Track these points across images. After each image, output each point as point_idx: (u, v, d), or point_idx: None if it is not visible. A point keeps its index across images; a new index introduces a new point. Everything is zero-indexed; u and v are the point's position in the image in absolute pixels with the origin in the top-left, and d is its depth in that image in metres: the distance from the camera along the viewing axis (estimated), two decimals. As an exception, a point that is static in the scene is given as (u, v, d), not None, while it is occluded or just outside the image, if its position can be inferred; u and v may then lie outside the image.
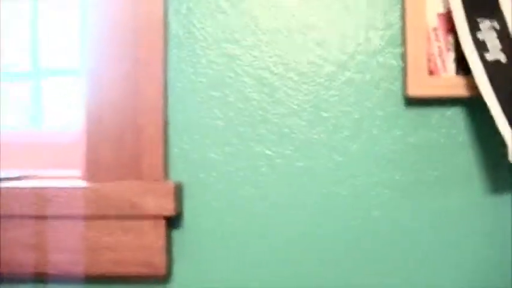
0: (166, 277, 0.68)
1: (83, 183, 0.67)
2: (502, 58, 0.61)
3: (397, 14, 0.67)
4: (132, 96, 0.68)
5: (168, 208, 0.65)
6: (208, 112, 0.68)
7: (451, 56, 0.65)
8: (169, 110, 0.69)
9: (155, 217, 0.65)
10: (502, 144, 0.66)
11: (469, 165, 0.66)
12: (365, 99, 0.67)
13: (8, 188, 0.66)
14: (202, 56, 0.69)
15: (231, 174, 0.68)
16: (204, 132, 0.68)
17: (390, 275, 0.67)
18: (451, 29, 0.64)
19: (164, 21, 0.68)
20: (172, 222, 0.68)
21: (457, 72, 0.64)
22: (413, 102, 0.67)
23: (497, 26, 0.62)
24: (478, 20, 0.62)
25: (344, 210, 0.67)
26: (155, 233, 0.66)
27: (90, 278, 0.69)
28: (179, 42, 0.69)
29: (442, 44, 0.65)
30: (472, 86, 0.63)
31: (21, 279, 0.69)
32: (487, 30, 0.62)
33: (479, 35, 0.62)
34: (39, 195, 0.66)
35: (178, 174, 0.69)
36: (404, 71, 0.66)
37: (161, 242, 0.66)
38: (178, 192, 0.67)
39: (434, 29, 0.65)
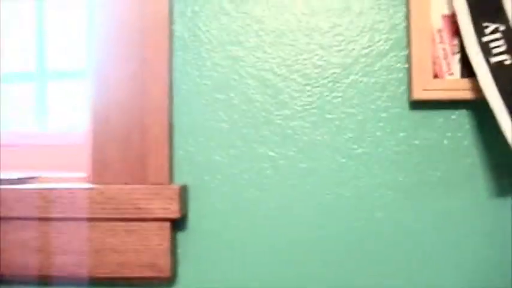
0: (171, 279, 0.68)
1: (88, 185, 0.67)
2: (507, 60, 0.61)
3: (401, 16, 0.67)
4: (138, 98, 0.68)
5: (173, 210, 0.65)
6: (213, 114, 0.69)
7: (456, 59, 0.65)
8: (174, 113, 0.69)
9: (160, 219, 0.65)
10: (507, 146, 0.66)
11: (473, 167, 0.66)
12: (369, 102, 0.67)
13: (13, 189, 0.66)
14: (207, 59, 0.69)
15: (235, 177, 0.68)
16: (209, 135, 0.69)
17: (393, 276, 0.67)
18: (456, 31, 0.64)
19: (169, 23, 0.68)
20: (177, 224, 0.68)
21: (462, 74, 0.64)
22: (417, 104, 0.67)
23: (502, 28, 0.61)
24: (483, 22, 0.62)
25: (348, 211, 0.67)
26: (160, 235, 0.66)
27: (94, 280, 0.69)
28: (184, 45, 0.69)
29: (446, 46, 0.65)
30: (477, 88, 0.63)
31: (26, 281, 0.69)
32: (492, 33, 0.62)
33: (484, 37, 0.62)
34: (44, 196, 0.66)
35: (183, 176, 0.69)
36: (409, 73, 0.67)
37: (166, 244, 0.66)
38: (183, 194, 0.67)
39: (439, 31, 0.65)
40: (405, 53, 0.67)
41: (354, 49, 0.68)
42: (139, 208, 0.65)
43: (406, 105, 0.67)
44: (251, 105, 0.68)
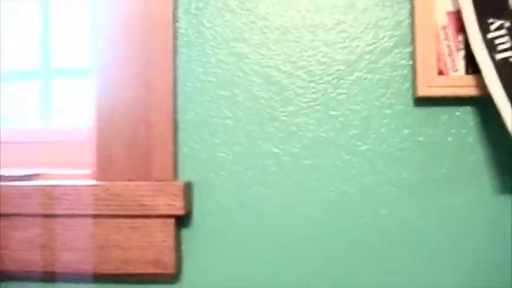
0: (175, 276, 0.69)
1: (92, 182, 0.67)
2: (512, 57, 0.61)
3: (406, 12, 0.67)
4: (142, 95, 0.68)
5: (177, 207, 0.65)
6: (218, 111, 0.69)
7: (460, 55, 0.64)
8: (178, 110, 0.69)
9: (165, 216, 0.66)
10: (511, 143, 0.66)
11: (478, 164, 0.66)
12: (373, 98, 0.67)
13: (17, 186, 0.67)
14: (212, 56, 0.69)
15: (239, 173, 0.68)
16: (213, 132, 0.69)
17: (398, 273, 0.67)
18: (461, 27, 0.64)
19: (174, 20, 0.68)
20: (182, 221, 0.68)
21: (467, 71, 0.64)
22: (422, 101, 0.67)
23: (507, 25, 0.61)
24: (488, 18, 0.62)
25: (352, 208, 0.67)
26: (165, 232, 0.66)
27: (99, 277, 0.69)
28: (189, 42, 0.69)
29: (451, 43, 0.65)
30: (482, 85, 0.63)
31: (31, 278, 0.70)
32: (497, 29, 0.61)
33: (489, 34, 0.62)
34: (49, 193, 0.66)
35: (187, 173, 0.69)
36: (413, 70, 0.67)
37: (170, 240, 0.66)
38: (188, 191, 0.67)
39: (444, 27, 0.65)
40: (410, 49, 0.67)
41: (358, 46, 0.68)
42: (144, 205, 0.65)
43: (411, 102, 0.67)
44: (255, 102, 0.68)
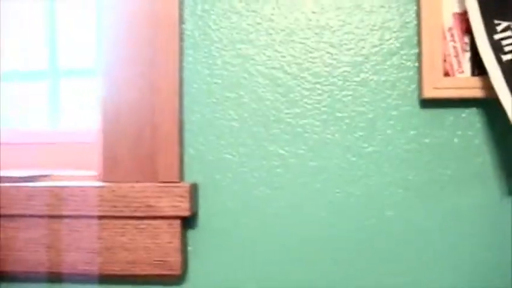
0: (181, 277, 0.69)
1: (99, 183, 0.67)
2: (518, 59, 0.61)
3: (412, 14, 0.67)
4: (148, 96, 0.68)
5: (183, 208, 0.65)
6: (223, 113, 0.69)
7: (466, 57, 0.64)
8: (184, 111, 0.69)
9: (170, 217, 0.66)
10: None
11: (484, 166, 0.66)
12: (379, 100, 0.67)
13: (24, 187, 0.67)
14: (218, 57, 0.69)
15: (245, 175, 0.68)
16: (219, 133, 0.69)
17: (403, 274, 0.67)
18: (467, 29, 0.64)
19: (180, 22, 0.68)
20: (188, 222, 0.68)
21: (473, 73, 0.64)
22: (428, 103, 0.67)
23: (513, 26, 0.61)
24: (494, 20, 0.62)
25: (358, 209, 0.67)
26: (170, 233, 0.66)
27: (105, 278, 0.69)
28: (195, 43, 0.69)
29: (457, 45, 0.64)
30: (488, 87, 0.63)
31: (37, 278, 0.70)
32: (503, 30, 0.61)
33: (496, 35, 0.61)
34: (56, 194, 0.67)
35: (193, 174, 0.69)
36: (419, 71, 0.66)
37: (176, 242, 0.66)
38: (194, 192, 0.67)
39: (450, 29, 0.65)
40: (416, 51, 0.67)
41: (364, 47, 0.68)
42: (150, 206, 0.65)
43: (417, 103, 0.67)
44: (261, 104, 0.69)
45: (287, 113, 0.68)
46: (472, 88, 0.64)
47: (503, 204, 0.66)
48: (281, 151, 0.68)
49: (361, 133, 0.68)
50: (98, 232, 0.67)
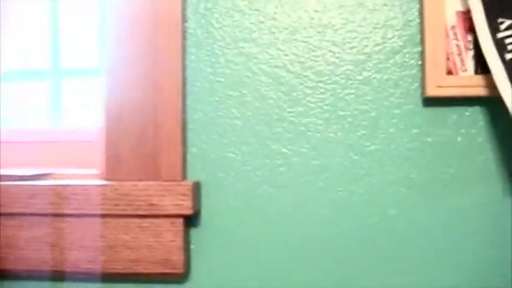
0: (184, 275, 0.69)
1: (101, 182, 0.67)
2: (522, 57, 0.61)
3: (415, 12, 0.67)
4: (151, 95, 0.68)
5: (186, 207, 0.65)
6: (226, 111, 0.69)
7: (469, 55, 0.64)
8: (187, 110, 0.69)
9: (173, 216, 0.66)
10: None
11: (487, 164, 0.66)
12: (382, 98, 0.67)
13: (27, 186, 0.67)
14: (221, 56, 0.69)
15: (248, 173, 0.68)
16: (222, 132, 0.69)
17: (406, 273, 0.67)
18: (470, 27, 0.64)
19: (183, 20, 0.68)
20: (190, 220, 0.68)
21: (476, 71, 0.64)
22: (431, 101, 0.67)
23: (517, 25, 0.61)
24: (498, 18, 0.62)
25: (360, 208, 0.67)
26: (173, 232, 0.66)
27: (107, 276, 0.69)
28: (197, 42, 0.69)
29: (461, 43, 0.64)
30: (491, 85, 0.62)
31: (39, 277, 0.70)
32: (507, 29, 0.61)
33: (499, 34, 0.61)
34: (58, 193, 0.67)
35: (196, 173, 0.69)
36: (422, 70, 0.66)
37: (179, 240, 0.66)
38: (196, 191, 0.67)
39: (453, 27, 0.64)
40: (419, 49, 0.67)
41: (367, 46, 0.68)
42: (153, 204, 0.65)
43: (420, 101, 0.67)
44: (264, 102, 0.69)
45: (290, 112, 0.68)
46: (475, 86, 0.64)
47: (506, 202, 0.66)
48: (284, 150, 0.68)
49: (363, 131, 0.68)
50: (100, 230, 0.67)
